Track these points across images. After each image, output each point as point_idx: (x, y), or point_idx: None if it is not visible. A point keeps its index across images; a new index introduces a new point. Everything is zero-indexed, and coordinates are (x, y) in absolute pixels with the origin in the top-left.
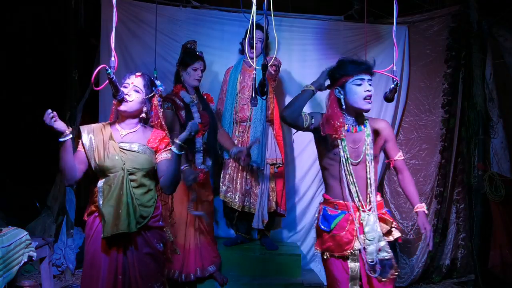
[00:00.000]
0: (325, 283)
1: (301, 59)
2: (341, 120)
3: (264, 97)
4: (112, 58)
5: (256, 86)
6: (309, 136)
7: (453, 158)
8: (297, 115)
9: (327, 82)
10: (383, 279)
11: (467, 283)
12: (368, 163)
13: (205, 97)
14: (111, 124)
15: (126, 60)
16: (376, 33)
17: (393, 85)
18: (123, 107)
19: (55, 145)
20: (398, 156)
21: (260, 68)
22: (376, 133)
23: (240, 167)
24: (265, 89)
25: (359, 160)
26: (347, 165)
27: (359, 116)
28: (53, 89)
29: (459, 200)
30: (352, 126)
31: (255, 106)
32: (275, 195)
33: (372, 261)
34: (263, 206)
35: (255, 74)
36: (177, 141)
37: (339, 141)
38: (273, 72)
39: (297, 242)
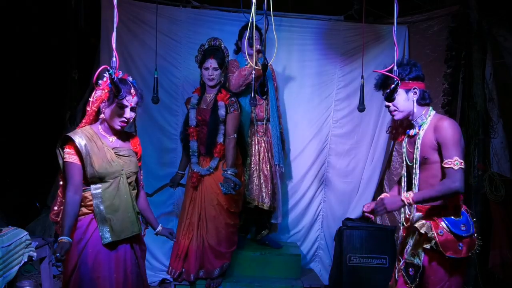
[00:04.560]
0: (325, 283)
1: (301, 59)
2: (391, 126)
3: (264, 97)
4: (114, 59)
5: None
6: (309, 136)
7: None
8: None
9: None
10: (408, 284)
11: (467, 283)
12: (415, 166)
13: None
14: (94, 129)
15: (126, 60)
16: (376, 33)
17: (393, 85)
18: (121, 127)
19: (55, 145)
20: (445, 163)
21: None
22: (432, 134)
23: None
24: (265, 89)
25: (413, 163)
26: (405, 167)
27: (415, 119)
28: (53, 89)
29: None
30: (411, 129)
31: (254, 106)
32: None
33: (405, 263)
34: (280, 202)
35: (254, 74)
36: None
37: (403, 145)
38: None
39: (297, 242)
